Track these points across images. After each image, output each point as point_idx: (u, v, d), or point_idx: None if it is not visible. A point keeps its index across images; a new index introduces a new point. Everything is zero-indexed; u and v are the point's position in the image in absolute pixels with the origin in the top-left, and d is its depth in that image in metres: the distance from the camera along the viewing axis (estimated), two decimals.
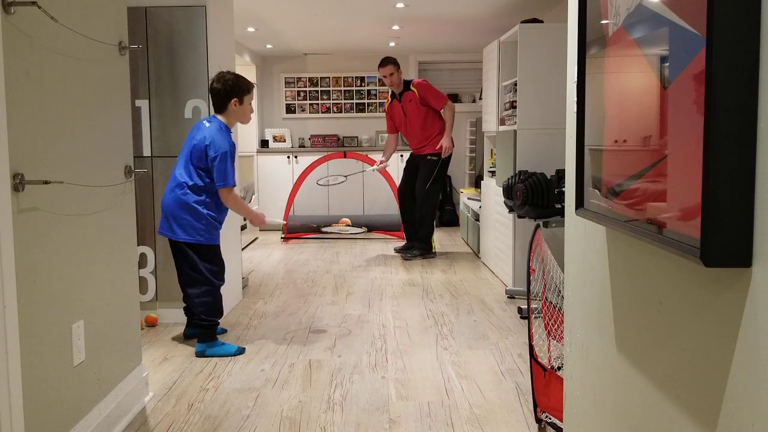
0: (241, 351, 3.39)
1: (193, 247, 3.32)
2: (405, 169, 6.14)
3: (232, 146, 3.35)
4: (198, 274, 3.35)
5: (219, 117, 3.40)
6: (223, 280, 3.47)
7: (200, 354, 3.35)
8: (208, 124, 3.36)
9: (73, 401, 2.19)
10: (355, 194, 7.80)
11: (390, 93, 6.07)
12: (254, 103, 7.70)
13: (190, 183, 3.29)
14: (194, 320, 3.44)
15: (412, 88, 5.82)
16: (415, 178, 5.97)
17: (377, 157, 7.37)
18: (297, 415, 2.65)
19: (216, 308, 3.40)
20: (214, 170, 3.26)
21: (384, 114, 6.36)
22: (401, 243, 6.54)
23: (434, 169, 5.82)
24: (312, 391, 2.88)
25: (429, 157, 5.83)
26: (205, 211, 3.30)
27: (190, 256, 3.33)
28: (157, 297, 3.95)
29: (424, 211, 5.89)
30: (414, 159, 6.03)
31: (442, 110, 5.85)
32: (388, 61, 5.82)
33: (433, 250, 6.05)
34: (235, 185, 3.34)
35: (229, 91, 3.36)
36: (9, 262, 1.77)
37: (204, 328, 3.37)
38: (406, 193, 6.06)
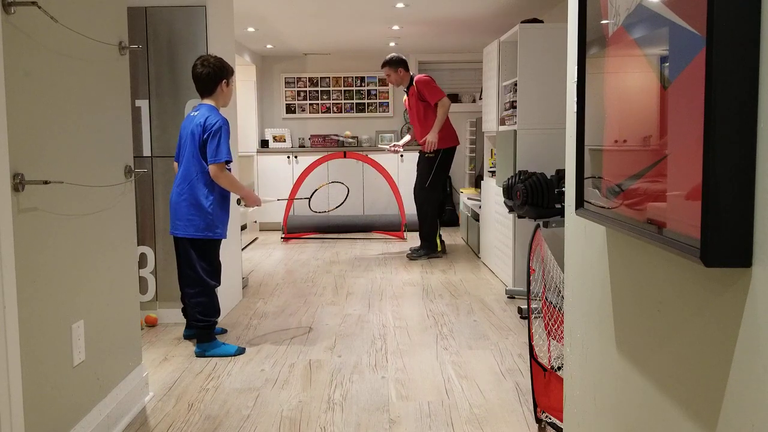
0: (241, 351, 3.39)
1: (193, 242, 3.32)
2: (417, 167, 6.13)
3: (226, 122, 3.31)
4: (193, 272, 3.34)
5: (206, 102, 3.39)
6: (218, 282, 3.44)
7: (200, 354, 3.35)
8: (196, 113, 3.34)
9: (73, 401, 2.19)
10: (355, 194, 7.79)
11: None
12: (254, 103, 7.77)
13: (195, 178, 3.28)
14: (191, 321, 3.44)
15: (413, 83, 5.83)
16: None
17: (377, 157, 7.36)
18: (297, 415, 2.65)
19: (212, 308, 3.39)
20: (206, 148, 3.24)
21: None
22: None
23: (431, 168, 5.81)
24: (312, 391, 2.88)
25: (426, 155, 5.82)
26: (208, 205, 3.29)
27: (188, 252, 3.33)
28: (157, 297, 3.95)
29: (424, 210, 5.89)
30: (420, 156, 6.03)
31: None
32: (384, 64, 5.85)
33: (439, 249, 6.03)
34: (228, 161, 3.28)
35: (218, 73, 3.37)
36: (9, 262, 1.77)
37: (201, 329, 3.36)
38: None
